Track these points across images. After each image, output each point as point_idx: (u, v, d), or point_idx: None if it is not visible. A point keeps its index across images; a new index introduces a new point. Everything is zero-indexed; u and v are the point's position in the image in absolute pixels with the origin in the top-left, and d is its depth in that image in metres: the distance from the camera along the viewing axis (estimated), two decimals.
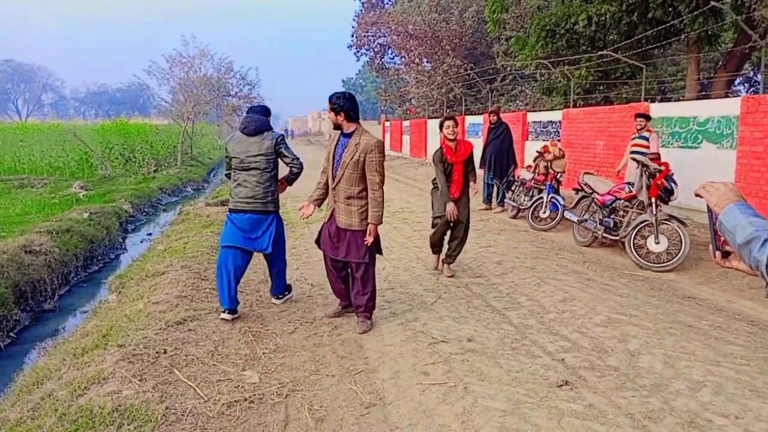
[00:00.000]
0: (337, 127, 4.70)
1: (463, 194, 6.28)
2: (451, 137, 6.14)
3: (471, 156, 6.28)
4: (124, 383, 3.58)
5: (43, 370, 4.10)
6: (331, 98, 4.58)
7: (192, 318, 4.86)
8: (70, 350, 4.42)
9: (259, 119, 5.08)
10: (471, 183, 6.38)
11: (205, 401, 3.47)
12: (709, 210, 1.52)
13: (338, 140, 4.68)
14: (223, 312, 4.88)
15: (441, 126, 6.22)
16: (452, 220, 6.10)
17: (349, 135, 4.61)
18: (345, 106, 4.57)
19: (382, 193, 4.61)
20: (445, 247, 6.49)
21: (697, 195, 1.55)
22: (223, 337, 4.53)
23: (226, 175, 5.48)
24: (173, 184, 19.85)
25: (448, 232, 6.36)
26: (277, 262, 5.34)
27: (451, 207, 6.02)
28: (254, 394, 3.57)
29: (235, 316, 4.92)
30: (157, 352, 4.08)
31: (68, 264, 8.58)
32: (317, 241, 5.09)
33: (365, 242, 4.60)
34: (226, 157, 5.14)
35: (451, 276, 6.32)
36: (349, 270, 4.89)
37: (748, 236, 1.34)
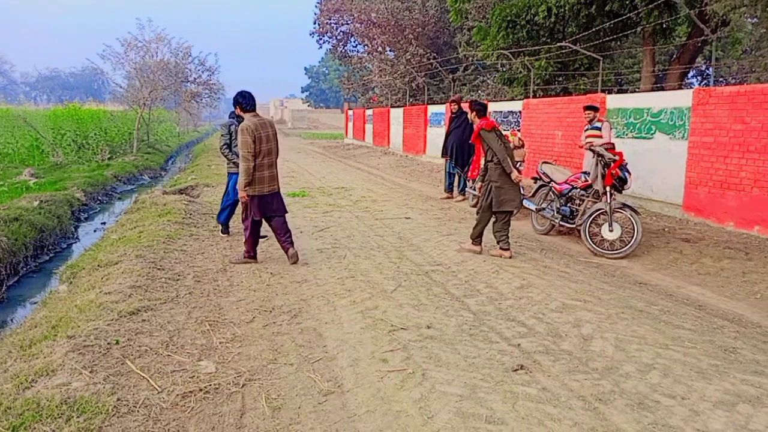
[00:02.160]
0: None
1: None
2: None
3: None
4: (73, 375, 3.47)
5: None
6: (236, 96, 6.17)
7: (146, 308, 4.74)
8: (17, 342, 4.26)
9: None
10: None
11: (158, 392, 3.39)
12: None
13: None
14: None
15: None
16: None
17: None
18: (239, 101, 6.18)
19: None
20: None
21: None
22: (179, 327, 4.44)
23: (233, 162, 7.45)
24: (129, 171, 19.31)
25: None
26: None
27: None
28: (210, 384, 3.52)
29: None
30: (108, 344, 3.97)
31: (17, 254, 8.26)
32: (250, 215, 6.27)
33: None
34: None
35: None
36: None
37: None
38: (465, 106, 9.79)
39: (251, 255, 6.49)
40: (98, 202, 14.37)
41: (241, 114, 6.23)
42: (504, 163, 6.55)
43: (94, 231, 11.05)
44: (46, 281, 7.89)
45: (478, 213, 6.94)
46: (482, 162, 6.91)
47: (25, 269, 8.42)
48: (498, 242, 6.82)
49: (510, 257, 6.72)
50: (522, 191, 7.00)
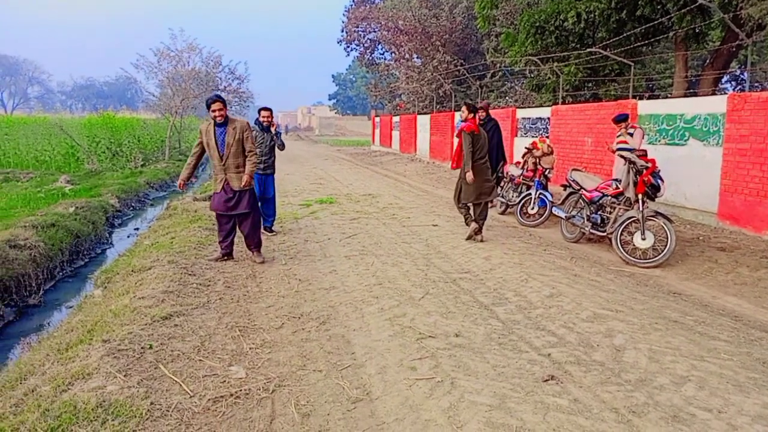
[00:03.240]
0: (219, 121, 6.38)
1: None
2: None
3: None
4: (108, 379, 3.55)
5: (27, 366, 4.05)
6: (217, 98, 6.35)
7: (178, 313, 4.83)
8: (54, 345, 4.37)
9: None
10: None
11: (190, 397, 3.45)
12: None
13: (214, 130, 6.40)
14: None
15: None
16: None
17: (225, 124, 6.41)
18: (225, 102, 6.48)
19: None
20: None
21: None
22: (210, 332, 4.51)
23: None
24: (161, 178, 19.71)
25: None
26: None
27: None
28: (240, 390, 3.56)
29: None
30: (142, 348, 4.05)
31: (54, 259, 8.49)
32: (211, 208, 6.76)
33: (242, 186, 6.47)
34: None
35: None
36: (234, 223, 6.72)
37: None
38: (494, 113, 9.79)
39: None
40: (131, 208, 14.70)
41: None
42: (465, 163, 7.68)
43: (128, 237, 11.30)
44: (82, 286, 8.09)
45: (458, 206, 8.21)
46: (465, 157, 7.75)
47: (61, 274, 8.65)
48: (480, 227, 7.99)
49: (481, 241, 7.93)
50: (486, 187, 7.87)
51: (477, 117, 7.98)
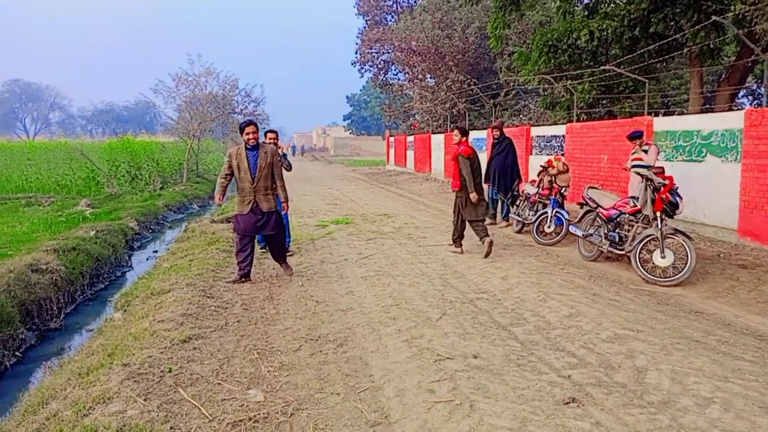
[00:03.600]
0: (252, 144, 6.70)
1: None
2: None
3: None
4: (128, 403, 3.57)
5: (49, 390, 4.10)
6: (251, 122, 6.73)
7: (197, 336, 4.86)
8: (75, 369, 4.42)
9: None
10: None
11: (209, 420, 3.46)
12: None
13: (246, 153, 6.66)
14: None
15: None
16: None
17: (256, 148, 6.70)
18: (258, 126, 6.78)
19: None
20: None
21: None
22: (228, 355, 4.53)
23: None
24: (179, 201, 19.95)
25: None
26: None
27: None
28: (259, 413, 3.56)
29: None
30: (162, 371, 4.08)
31: (74, 282, 8.61)
32: (236, 229, 6.87)
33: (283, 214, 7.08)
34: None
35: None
36: (254, 244, 7.00)
37: None
38: (508, 132, 9.87)
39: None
40: (150, 231, 14.88)
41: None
42: (468, 186, 8.26)
43: (147, 259, 11.42)
44: (102, 309, 8.19)
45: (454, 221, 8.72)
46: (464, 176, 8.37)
47: (81, 297, 8.76)
48: (480, 238, 8.46)
49: (490, 249, 8.29)
50: (482, 205, 8.48)
51: (467, 139, 8.58)
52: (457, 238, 8.65)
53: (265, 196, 6.74)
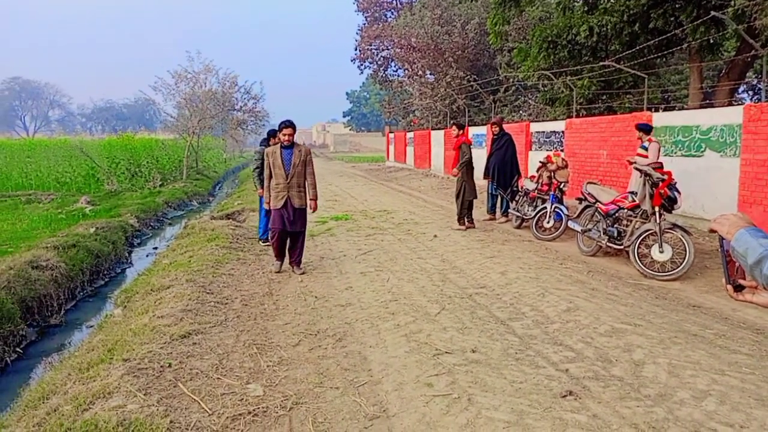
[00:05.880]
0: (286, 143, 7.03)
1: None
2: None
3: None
4: (128, 397, 3.60)
5: (49, 385, 4.12)
6: (290, 124, 6.97)
7: (196, 332, 4.88)
8: (75, 365, 4.44)
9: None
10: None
11: (209, 415, 3.48)
12: (721, 243, 1.55)
13: (281, 152, 7.03)
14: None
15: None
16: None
17: (291, 147, 7.05)
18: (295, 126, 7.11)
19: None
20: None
21: (711, 231, 1.59)
22: (228, 350, 4.55)
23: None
24: (179, 198, 19.97)
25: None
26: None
27: None
28: (258, 407, 3.58)
29: None
30: (161, 366, 4.10)
31: (74, 279, 8.63)
32: (273, 226, 7.17)
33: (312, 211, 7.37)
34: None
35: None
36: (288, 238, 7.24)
37: (758, 256, 1.40)
38: (508, 128, 10.16)
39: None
40: (150, 227, 14.90)
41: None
42: (463, 166, 10.04)
43: (147, 256, 11.45)
44: (102, 305, 8.21)
45: (457, 202, 10.29)
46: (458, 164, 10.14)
47: (82, 293, 8.78)
48: (466, 219, 10.24)
49: (473, 227, 10.30)
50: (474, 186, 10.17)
51: (465, 133, 10.36)
52: (461, 217, 10.13)
53: (298, 192, 7.06)
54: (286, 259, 7.40)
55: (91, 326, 6.96)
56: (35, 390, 4.19)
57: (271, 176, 7.09)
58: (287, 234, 7.16)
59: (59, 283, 8.06)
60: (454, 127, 9.72)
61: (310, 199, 7.26)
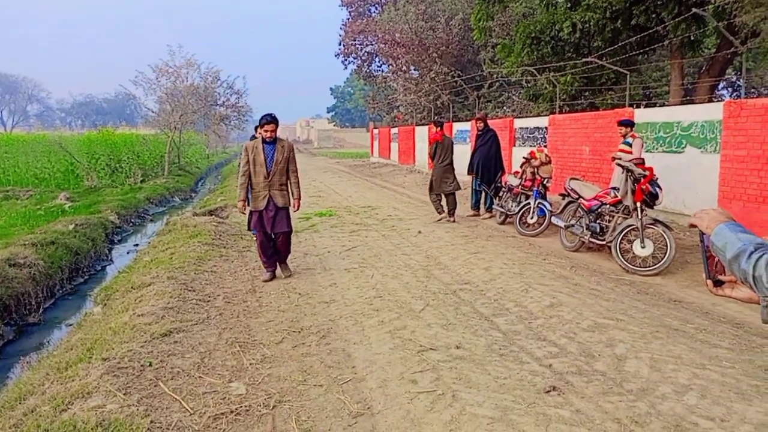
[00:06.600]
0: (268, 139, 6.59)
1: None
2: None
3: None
4: (108, 397, 3.53)
5: (27, 385, 4.04)
6: (272, 119, 6.46)
7: (178, 330, 4.82)
8: (54, 364, 4.36)
9: None
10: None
11: (190, 414, 3.43)
12: (702, 238, 1.55)
13: (263, 147, 6.59)
14: None
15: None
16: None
17: (274, 142, 6.64)
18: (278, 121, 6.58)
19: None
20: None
21: (692, 225, 1.58)
22: (210, 348, 4.49)
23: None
24: (160, 194, 19.73)
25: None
26: None
27: None
28: (241, 406, 3.54)
29: None
30: (142, 365, 4.04)
31: (53, 276, 8.48)
32: (251, 227, 6.89)
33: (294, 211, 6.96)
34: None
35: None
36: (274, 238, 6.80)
37: (736, 251, 1.40)
38: (492, 123, 10.23)
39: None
40: (131, 224, 14.71)
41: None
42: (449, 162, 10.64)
43: (128, 253, 11.29)
44: (81, 303, 8.08)
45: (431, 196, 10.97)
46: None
47: (61, 291, 8.63)
48: (449, 213, 10.77)
49: (453, 221, 10.69)
50: (446, 183, 10.64)
51: (443, 130, 10.95)
52: (439, 209, 10.79)
53: (280, 191, 6.65)
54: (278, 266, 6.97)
55: (70, 325, 6.84)
56: (12, 390, 4.11)
57: (246, 172, 6.65)
58: (272, 238, 6.76)
59: (37, 280, 7.92)
60: (432, 126, 10.57)
61: (294, 199, 6.84)
